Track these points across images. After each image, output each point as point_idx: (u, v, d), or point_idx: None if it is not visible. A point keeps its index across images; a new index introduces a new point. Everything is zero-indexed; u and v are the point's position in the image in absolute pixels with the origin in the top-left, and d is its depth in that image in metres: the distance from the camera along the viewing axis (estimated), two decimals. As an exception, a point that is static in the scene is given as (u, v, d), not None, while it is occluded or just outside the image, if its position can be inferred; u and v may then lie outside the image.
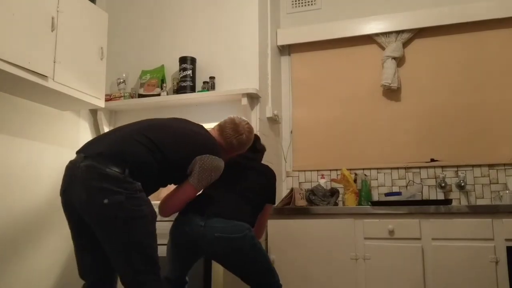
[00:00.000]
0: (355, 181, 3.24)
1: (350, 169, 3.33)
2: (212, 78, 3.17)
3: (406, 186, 3.29)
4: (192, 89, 3.16)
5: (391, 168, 3.36)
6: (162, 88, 3.24)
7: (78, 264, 1.92)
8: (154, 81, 3.25)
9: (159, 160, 1.86)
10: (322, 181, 3.32)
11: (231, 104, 3.04)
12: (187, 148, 1.96)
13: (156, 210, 1.93)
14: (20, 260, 2.62)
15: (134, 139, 1.86)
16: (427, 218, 2.66)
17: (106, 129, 3.27)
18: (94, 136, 3.24)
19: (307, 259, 2.80)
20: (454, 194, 3.20)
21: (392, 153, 3.37)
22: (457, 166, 3.23)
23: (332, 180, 3.38)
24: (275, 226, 2.90)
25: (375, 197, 3.33)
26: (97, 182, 1.72)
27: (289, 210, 2.94)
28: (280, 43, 3.65)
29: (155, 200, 1.99)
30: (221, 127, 2.17)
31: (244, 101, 2.98)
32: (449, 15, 3.29)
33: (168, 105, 3.19)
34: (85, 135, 3.21)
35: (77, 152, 1.87)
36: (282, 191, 3.40)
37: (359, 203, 3.17)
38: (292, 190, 3.06)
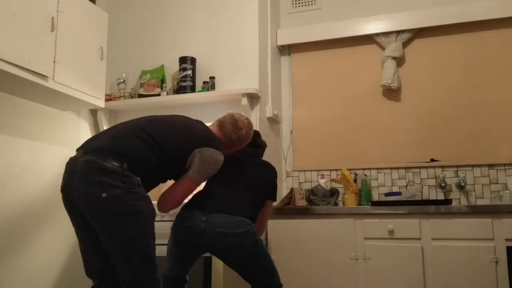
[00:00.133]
0: (355, 181, 3.24)
1: (350, 169, 3.33)
2: (212, 78, 3.17)
3: (406, 186, 3.29)
4: (192, 89, 3.16)
5: (391, 168, 3.36)
6: (162, 88, 3.24)
7: (84, 263, 1.92)
8: (154, 81, 3.25)
9: (158, 154, 1.87)
10: (322, 181, 3.32)
11: (231, 104, 3.04)
12: (187, 142, 1.96)
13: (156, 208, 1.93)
14: (20, 260, 2.62)
15: (133, 134, 1.87)
16: (427, 218, 2.66)
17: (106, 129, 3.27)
18: (94, 136, 3.24)
19: (307, 259, 2.80)
20: (454, 194, 3.20)
21: (392, 153, 3.37)
22: (457, 166, 3.23)
23: (332, 180, 3.38)
24: (275, 226, 2.90)
25: (375, 197, 3.33)
26: (95, 176, 1.73)
27: (289, 210, 2.94)
28: (280, 43, 3.65)
29: (156, 200, 1.99)
30: (220, 123, 2.18)
31: (244, 101, 2.98)
32: (449, 15, 3.29)
33: (168, 105, 3.19)
34: (85, 135, 3.21)
35: (77, 150, 1.88)
36: (282, 191, 3.40)
37: (359, 203, 3.17)
38: (292, 190, 3.06)
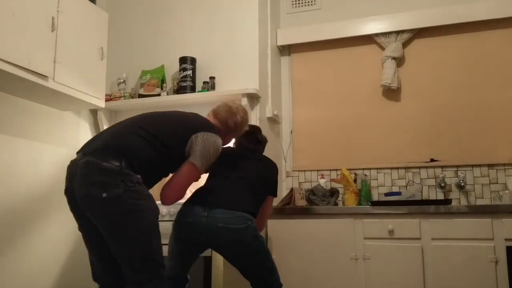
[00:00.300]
0: (355, 181, 3.25)
1: (350, 169, 3.33)
2: (212, 78, 3.18)
3: (406, 186, 3.29)
4: (192, 89, 3.16)
5: (391, 168, 3.36)
6: (162, 88, 3.24)
7: (91, 267, 1.93)
8: (154, 81, 3.26)
9: (158, 149, 1.87)
10: (322, 181, 3.32)
11: (231, 104, 3.04)
12: (184, 130, 1.96)
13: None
14: (19, 258, 2.62)
15: (131, 132, 1.88)
16: (427, 218, 2.66)
17: (106, 129, 3.28)
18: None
19: (307, 259, 2.80)
20: (454, 194, 3.20)
21: (392, 153, 3.37)
22: (457, 166, 3.23)
23: (332, 180, 3.38)
24: (275, 226, 2.90)
25: (375, 197, 3.33)
26: (95, 177, 1.74)
27: (289, 210, 2.94)
28: (280, 43, 3.65)
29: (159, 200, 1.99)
30: (215, 111, 2.20)
31: (244, 101, 2.98)
32: (449, 15, 3.29)
33: (168, 105, 3.18)
34: (85, 135, 3.21)
35: (77, 152, 1.90)
36: (282, 191, 3.40)
37: (359, 203, 3.17)
38: (292, 190, 3.06)
